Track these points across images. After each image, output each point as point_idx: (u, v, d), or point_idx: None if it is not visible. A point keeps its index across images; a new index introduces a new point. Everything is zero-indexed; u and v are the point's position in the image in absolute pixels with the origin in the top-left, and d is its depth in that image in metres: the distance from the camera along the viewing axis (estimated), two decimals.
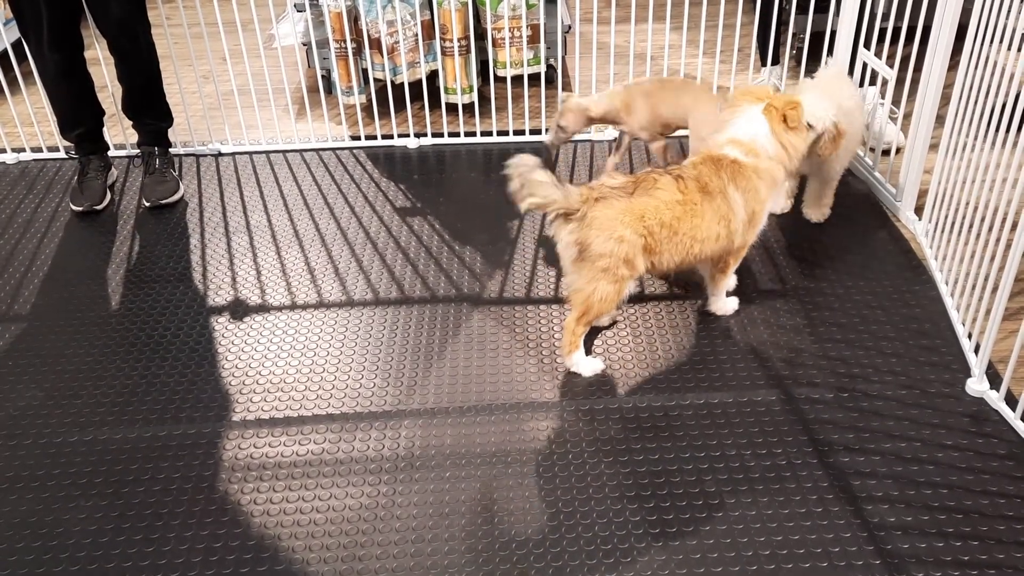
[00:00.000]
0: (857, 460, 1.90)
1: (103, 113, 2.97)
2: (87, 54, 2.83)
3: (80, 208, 2.88)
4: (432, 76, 3.31)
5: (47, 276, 2.62)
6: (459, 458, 1.95)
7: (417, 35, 3.19)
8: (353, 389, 2.16)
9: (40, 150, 3.27)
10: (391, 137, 3.30)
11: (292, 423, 2.07)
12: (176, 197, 2.95)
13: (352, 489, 1.88)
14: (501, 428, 2.02)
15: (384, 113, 3.29)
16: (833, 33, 3.07)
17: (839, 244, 2.63)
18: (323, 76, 3.49)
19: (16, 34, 3.38)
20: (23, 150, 3.27)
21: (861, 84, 2.89)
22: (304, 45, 3.48)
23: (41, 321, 2.43)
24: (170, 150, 3.06)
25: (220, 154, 3.27)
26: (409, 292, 2.50)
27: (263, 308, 2.46)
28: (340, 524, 1.80)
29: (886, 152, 2.97)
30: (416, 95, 3.22)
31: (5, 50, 3.34)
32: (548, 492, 1.84)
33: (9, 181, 3.12)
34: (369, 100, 3.33)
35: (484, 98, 3.38)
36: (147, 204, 2.92)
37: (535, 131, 3.29)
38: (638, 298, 2.43)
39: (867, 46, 2.83)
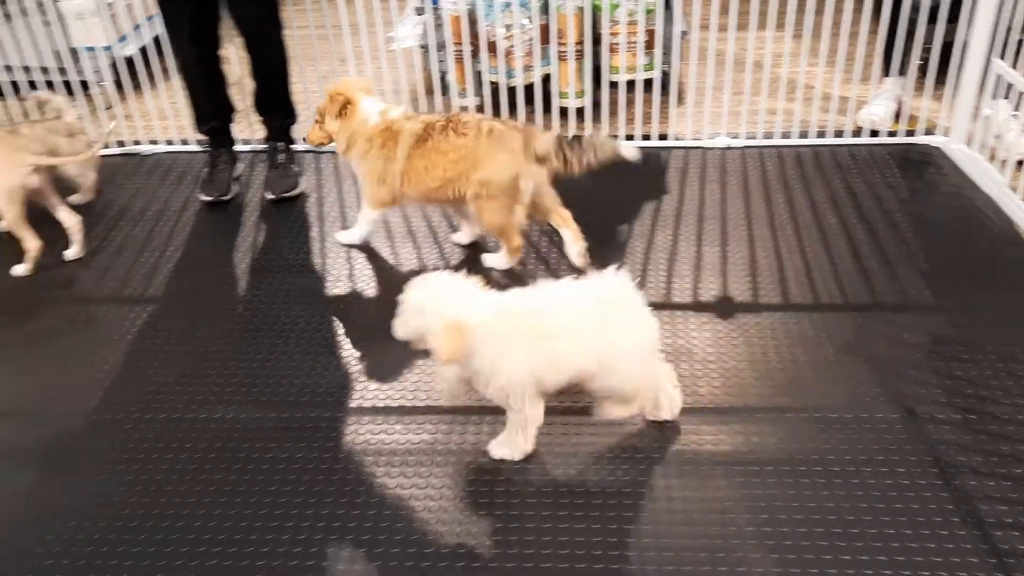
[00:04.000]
0: (986, 484, 1.82)
1: (233, 109, 3.11)
2: (220, 52, 2.98)
3: (209, 198, 3.02)
4: (545, 80, 3.34)
5: (178, 262, 2.75)
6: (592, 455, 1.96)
7: (533, 39, 3.23)
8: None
9: (173, 143, 3.44)
10: None
11: (405, 412, 2.12)
12: (297, 191, 3.07)
13: (456, 479, 1.92)
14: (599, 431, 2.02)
15: (496, 115, 3.33)
16: (964, 44, 2.96)
17: (963, 258, 2.54)
18: (442, 78, 3.56)
19: (155, 32, 3.57)
20: (157, 142, 3.45)
21: (995, 96, 2.78)
22: (422, 47, 3.57)
23: (172, 305, 2.56)
24: (293, 146, 3.18)
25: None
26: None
27: (377, 300, 2.53)
28: (450, 511, 1.84)
29: (1021, 163, 2.84)
30: (529, 98, 3.26)
31: (144, 47, 3.53)
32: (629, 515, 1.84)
33: (145, 171, 3.30)
34: (482, 102, 3.38)
35: (596, 103, 3.39)
36: (270, 197, 3.04)
37: (646, 136, 3.29)
38: (752, 307, 2.39)
39: (1002, 57, 2.72)
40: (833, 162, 3.08)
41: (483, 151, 2.43)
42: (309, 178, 3.19)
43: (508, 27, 3.20)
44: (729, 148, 3.21)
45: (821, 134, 3.23)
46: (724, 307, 2.40)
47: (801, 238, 2.66)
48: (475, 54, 3.30)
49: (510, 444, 1.93)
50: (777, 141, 3.22)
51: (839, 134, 3.21)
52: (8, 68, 3.69)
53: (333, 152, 3.35)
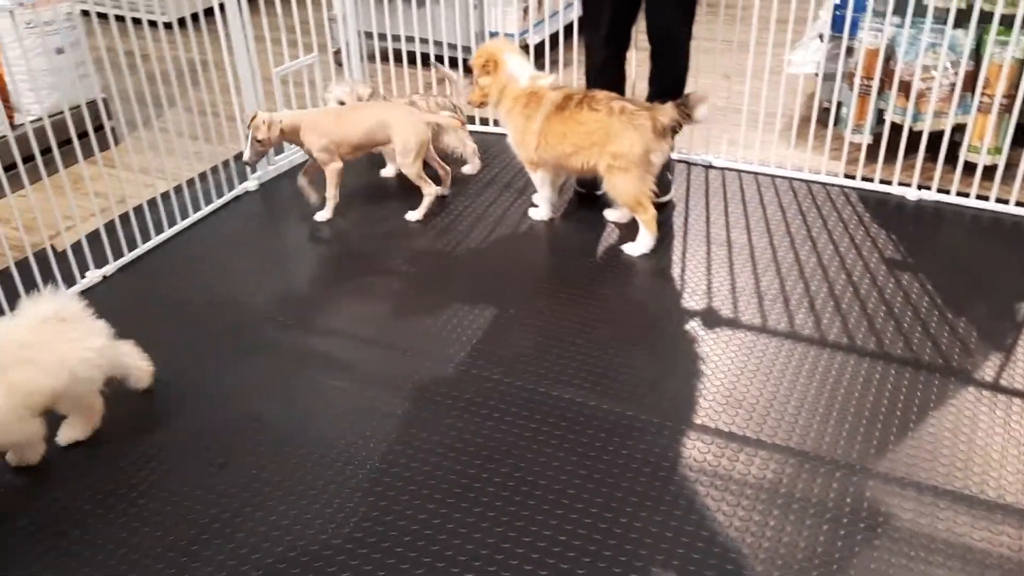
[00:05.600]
0: None
1: None
2: (627, 54, 3.09)
3: (583, 190, 3.16)
4: (955, 129, 3.07)
5: (547, 243, 2.92)
6: (915, 540, 1.79)
7: (954, 84, 2.97)
8: (816, 430, 2.10)
9: None
10: (889, 183, 3.13)
11: (749, 443, 2.07)
12: (667, 198, 3.11)
13: (799, 530, 1.83)
14: (962, 521, 1.82)
15: (889, 157, 3.13)
16: None
17: None
18: (824, 108, 3.42)
19: (569, 18, 3.81)
20: None
21: None
22: (816, 75, 3.44)
23: (534, 281, 2.73)
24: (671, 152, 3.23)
25: (711, 166, 3.37)
26: (889, 349, 2.36)
27: (732, 323, 2.49)
28: (787, 559, 1.76)
29: None
30: (931, 145, 3.02)
31: (555, 34, 3.76)
32: None
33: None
34: (876, 141, 3.19)
35: (1010, 164, 3.05)
36: None
37: None
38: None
39: None
40: None
41: (616, 127, 2.67)
42: (677, 187, 3.22)
43: (927, 68, 2.97)
44: None
45: None
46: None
47: None
48: (881, 91, 3.11)
49: None
50: None
51: None
52: (424, 41, 4.14)
53: (704, 165, 3.36)
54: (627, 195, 2.75)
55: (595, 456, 2.04)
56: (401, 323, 2.54)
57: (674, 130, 2.70)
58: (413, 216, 3.05)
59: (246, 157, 2.93)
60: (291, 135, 2.95)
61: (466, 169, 3.34)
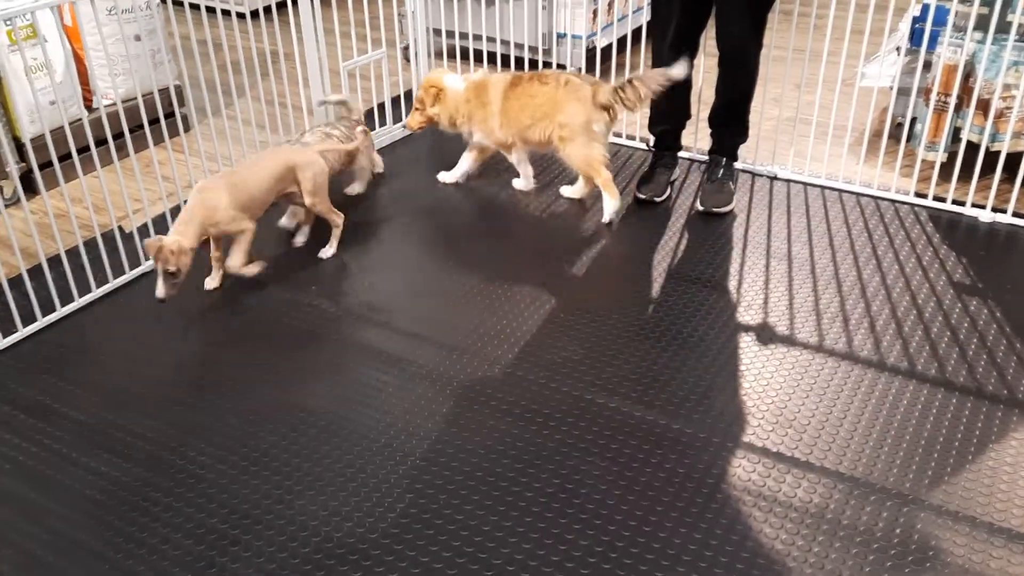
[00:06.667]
0: None
1: (689, 117, 3.17)
2: (695, 60, 3.04)
3: (643, 196, 3.12)
4: None
5: (602, 248, 2.90)
6: None
7: None
8: (868, 456, 2.03)
9: (619, 136, 3.61)
10: (962, 204, 3.02)
11: (797, 465, 2.01)
12: (728, 208, 3.05)
13: (843, 557, 1.77)
14: (1017, 561, 1.74)
15: (964, 177, 3.01)
16: None
17: None
18: (898, 123, 3.32)
19: (638, 23, 3.78)
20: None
21: None
22: (890, 89, 3.34)
23: (587, 286, 2.70)
24: (736, 164, 3.17)
25: (776, 178, 3.30)
26: (951, 376, 2.27)
27: (788, 340, 2.43)
28: None
29: None
30: (1008, 166, 2.90)
31: (623, 38, 3.72)
32: None
33: None
34: (951, 159, 3.08)
35: None
36: (700, 208, 3.06)
37: None
38: None
39: None
40: None
41: (561, 98, 2.93)
42: (740, 198, 3.16)
43: (1008, 87, 2.86)
44: None
45: None
46: None
47: None
48: (958, 107, 3.01)
49: None
50: None
51: None
52: (492, 40, 4.14)
53: (768, 176, 3.28)
54: (578, 161, 2.99)
55: (637, 467, 2.01)
56: (451, 322, 2.54)
57: (626, 106, 2.92)
58: (327, 252, 2.86)
59: (161, 294, 2.43)
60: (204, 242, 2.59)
61: (350, 189, 3.21)
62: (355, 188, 3.24)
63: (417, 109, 3.19)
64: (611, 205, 2.99)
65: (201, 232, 2.51)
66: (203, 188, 2.55)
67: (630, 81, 2.85)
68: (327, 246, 2.87)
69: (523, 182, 3.25)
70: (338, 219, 2.87)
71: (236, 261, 2.61)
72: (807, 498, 1.92)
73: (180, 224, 2.49)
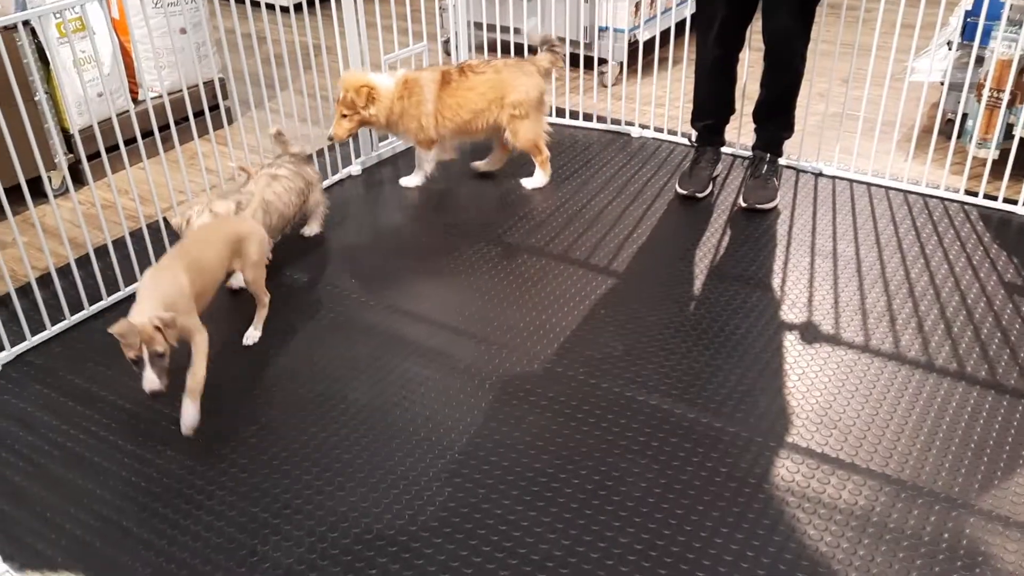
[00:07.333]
0: None
1: (733, 111, 3.13)
2: (739, 55, 3.00)
3: (684, 192, 3.09)
4: None
5: (643, 244, 2.87)
6: None
7: None
8: (916, 458, 1.99)
9: (661, 130, 3.58)
10: (1015, 203, 2.95)
11: (842, 466, 1.98)
12: (771, 205, 3.01)
13: (889, 561, 1.74)
14: None
15: (1016, 175, 2.94)
16: None
17: None
18: (948, 119, 3.24)
19: (681, 16, 3.73)
20: (648, 127, 3.61)
21: None
22: (941, 84, 3.26)
23: (628, 282, 2.68)
24: (780, 160, 3.12)
25: (821, 174, 3.25)
26: (1002, 378, 2.22)
27: (833, 339, 2.39)
28: None
29: None
30: None
31: (666, 31, 3.68)
32: None
33: (630, 152, 3.48)
34: (1003, 157, 3.00)
35: None
36: (743, 204, 3.02)
37: None
38: None
39: None
40: None
41: (509, 79, 2.98)
42: (784, 194, 3.11)
43: None
44: None
45: None
46: None
47: None
48: (1011, 103, 2.93)
49: None
50: None
51: None
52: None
53: (813, 172, 3.23)
54: (527, 139, 3.07)
55: (678, 466, 1.99)
56: (493, 317, 2.53)
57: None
58: (251, 338, 2.47)
59: (156, 386, 1.96)
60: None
61: (307, 230, 2.96)
62: (313, 229, 2.96)
63: (344, 115, 2.92)
64: (540, 179, 3.16)
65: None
66: (157, 271, 2.16)
67: (547, 35, 3.14)
68: (252, 327, 2.47)
69: (416, 179, 3.22)
70: (266, 298, 2.48)
71: (200, 375, 2.11)
72: (852, 500, 1.89)
73: (140, 304, 2.04)
